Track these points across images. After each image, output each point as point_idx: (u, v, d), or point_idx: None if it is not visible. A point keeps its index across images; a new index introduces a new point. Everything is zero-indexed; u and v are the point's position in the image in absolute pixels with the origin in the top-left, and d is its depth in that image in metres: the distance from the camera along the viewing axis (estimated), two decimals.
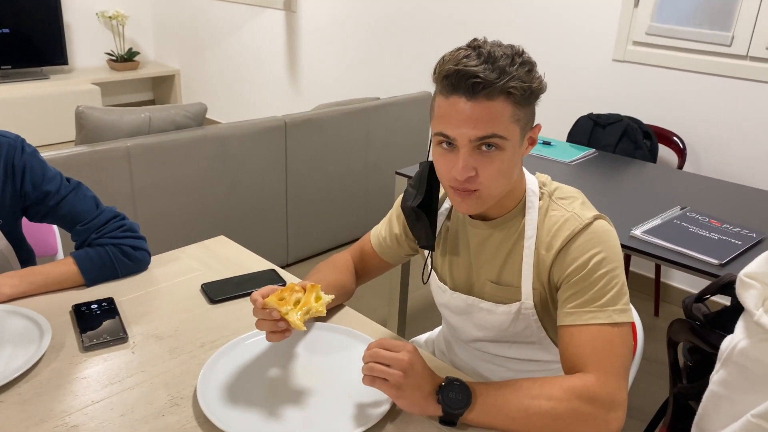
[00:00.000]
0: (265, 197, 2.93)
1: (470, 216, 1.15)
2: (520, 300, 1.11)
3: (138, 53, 5.41)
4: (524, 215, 1.10)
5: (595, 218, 1.06)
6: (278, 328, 1.04)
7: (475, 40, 1.01)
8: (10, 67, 4.73)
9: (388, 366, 0.94)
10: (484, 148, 0.99)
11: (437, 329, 1.52)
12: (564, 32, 3.03)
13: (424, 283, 1.26)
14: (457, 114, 0.98)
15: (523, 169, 1.13)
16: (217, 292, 1.33)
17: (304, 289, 1.08)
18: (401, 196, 1.30)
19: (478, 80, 0.95)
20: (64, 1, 4.93)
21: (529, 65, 0.99)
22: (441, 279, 1.23)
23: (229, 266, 1.46)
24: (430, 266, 1.25)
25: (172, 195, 2.56)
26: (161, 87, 5.69)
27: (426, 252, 1.25)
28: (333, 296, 1.10)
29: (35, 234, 1.60)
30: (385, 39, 3.82)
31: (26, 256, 1.40)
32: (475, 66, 0.95)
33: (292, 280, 1.41)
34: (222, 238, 1.61)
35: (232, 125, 2.74)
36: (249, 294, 1.32)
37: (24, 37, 4.76)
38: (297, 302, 1.05)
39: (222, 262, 1.48)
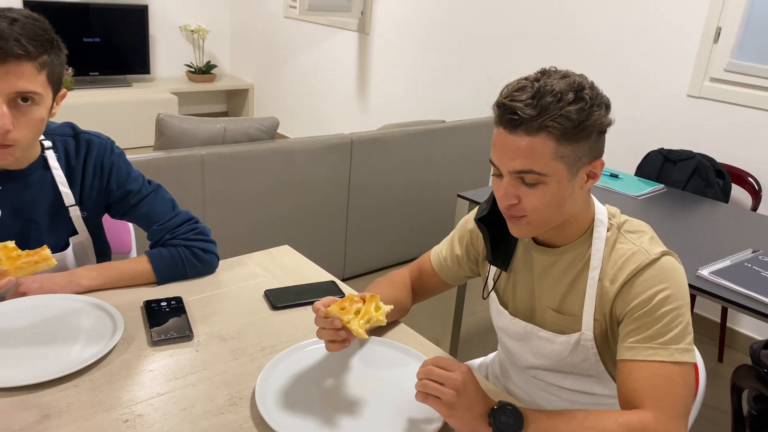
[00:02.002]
0: (327, 211, 2.99)
1: (535, 242, 1.15)
2: (580, 330, 1.10)
3: (215, 66, 5.64)
4: (590, 245, 1.09)
5: (663, 254, 1.05)
6: (339, 338, 1.06)
7: (542, 70, 1.03)
8: (97, 73, 5.02)
9: (441, 384, 0.95)
10: (526, 179, 1.01)
11: (491, 354, 1.52)
12: (639, 65, 2.99)
13: (483, 298, 1.27)
14: (501, 145, 1.01)
15: (593, 198, 1.12)
16: (279, 299, 1.37)
17: (364, 300, 1.10)
18: (466, 217, 1.32)
19: (516, 117, 0.98)
20: (150, 14, 5.21)
21: (585, 102, 0.98)
22: (502, 302, 1.24)
23: (292, 275, 1.51)
24: (490, 282, 1.25)
25: (240, 203, 2.65)
26: (235, 100, 5.91)
27: (489, 271, 1.25)
28: (392, 306, 1.12)
29: (112, 232, 1.69)
30: (454, 63, 3.86)
31: (103, 251, 1.48)
32: (520, 101, 0.98)
33: (350, 292, 1.44)
34: (286, 247, 1.66)
35: (301, 140, 2.82)
36: (309, 303, 1.36)
37: (112, 47, 5.05)
38: (357, 312, 1.08)
39: (285, 271, 1.53)
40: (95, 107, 4.64)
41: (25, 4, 4.58)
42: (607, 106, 1.02)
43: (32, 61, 1.12)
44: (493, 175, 1.06)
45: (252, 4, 5.46)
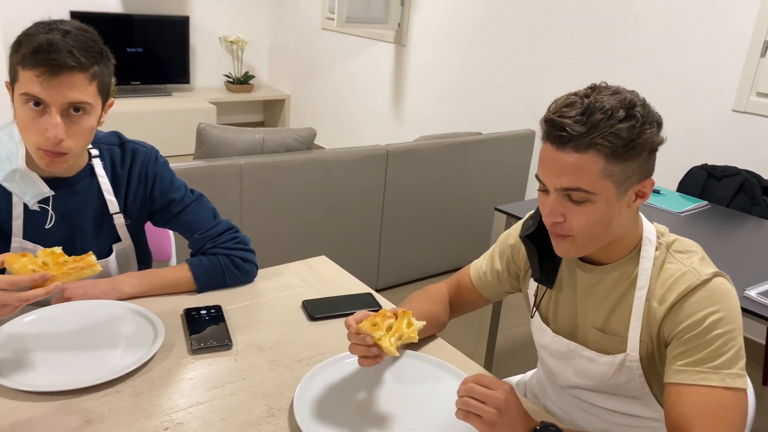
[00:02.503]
0: (362, 222, 2.99)
1: (580, 259, 1.13)
2: (625, 351, 1.07)
3: (253, 77, 5.72)
4: (637, 264, 1.06)
5: (715, 275, 1.02)
6: (370, 354, 1.05)
7: (592, 85, 1.01)
8: (139, 83, 5.14)
9: (483, 402, 0.93)
10: (573, 196, 0.99)
11: (530, 372, 1.49)
12: (683, 78, 2.93)
13: (531, 317, 1.25)
14: (548, 161, 1.00)
15: (641, 216, 1.10)
16: (317, 309, 1.37)
17: (396, 315, 1.09)
18: (507, 231, 1.30)
19: (564, 134, 0.96)
20: (191, 26, 5.31)
21: (636, 119, 0.96)
22: (544, 319, 1.21)
23: (329, 285, 1.51)
24: (534, 300, 1.23)
25: (277, 213, 2.67)
26: (271, 110, 5.98)
27: (531, 288, 1.23)
28: (424, 323, 1.10)
29: (153, 239, 1.72)
30: (491, 74, 3.84)
31: (144, 258, 1.50)
32: (569, 117, 0.96)
33: (387, 305, 1.43)
34: (323, 258, 1.66)
35: (337, 151, 2.83)
36: (347, 315, 1.35)
37: (154, 57, 5.17)
38: (389, 328, 1.06)
39: (322, 281, 1.52)
40: (136, 116, 4.74)
41: (72, 15, 4.71)
42: (659, 124, 1.00)
43: (84, 72, 1.15)
44: (539, 190, 1.04)
45: (290, 15, 5.53)
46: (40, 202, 1.27)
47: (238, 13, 5.62)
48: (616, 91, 0.98)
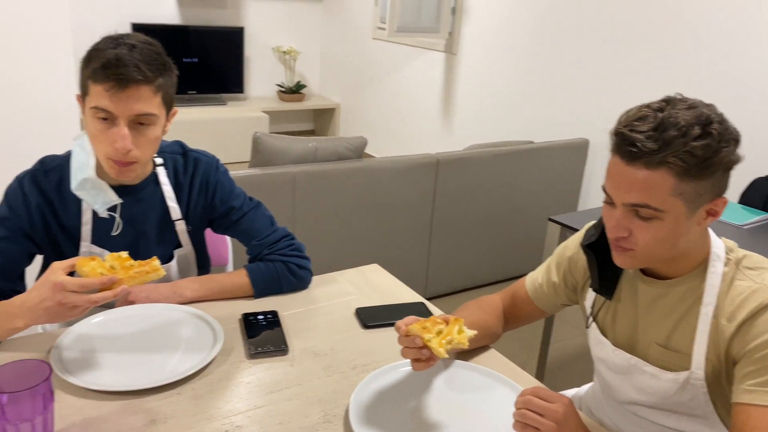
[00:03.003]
0: (411, 231, 2.99)
1: (642, 272, 1.10)
2: (689, 369, 1.04)
3: (305, 86, 5.82)
4: (704, 280, 1.03)
5: None
6: (422, 356, 1.05)
7: (666, 98, 0.97)
8: (195, 92, 5.29)
9: (541, 415, 0.92)
10: (640, 212, 0.96)
11: (585, 386, 1.46)
12: (746, 86, 2.83)
13: (586, 327, 1.22)
14: (616, 175, 0.97)
15: (709, 231, 1.06)
16: (370, 317, 1.38)
17: (447, 322, 1.09)
18: (564, 243, 1.28)
19: (635, 149, 0.93)
20: (246, 36, 5.44)
21: (712, 137, 0.92)
22: (602, 331, 1.19)
23: (382, 294, 1.52)
24: (589, 310, 1.21)
25: (327, 220, 2.70)
26: (321, 118, 6.06)
27: (588, 300, 1.21)
28: (476, 332, 1.10)
29: (211, 245, 1.76)
30: (543, 82, 3.80)
31: (203, 263, 1.55)
32: (640, 133, 0.93)
33: (440, 314, 1.43)
34: (375, 266, 1.67)
35: (388, 159, 2.85)
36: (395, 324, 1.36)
37: (209, 67, 5.32)
38: (439, 333, 1.07)
39: (375, 289, 1.53)
40: (192, 124, 4.88)
41: (134, 26, 4.90)
42: (737, 141, 0.96)
43: (149, 84, 1.19)
44: (605, 202, 1.02)
45: (342, 26, 5.61)
46: (108, 209, 1.32)
47: (291, 23, 5.73)
48: (691, 105, 0.95)
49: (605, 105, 3.43)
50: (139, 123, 1.21)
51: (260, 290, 1.42)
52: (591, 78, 3.50)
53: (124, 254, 1.15)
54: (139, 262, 1.14)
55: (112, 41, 1.21)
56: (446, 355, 1.03)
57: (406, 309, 1.43)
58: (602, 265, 1.13)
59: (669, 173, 0.92)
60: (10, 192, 1.30)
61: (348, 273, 1.61)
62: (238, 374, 1.16)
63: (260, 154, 2.57)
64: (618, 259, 1.04)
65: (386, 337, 1.33)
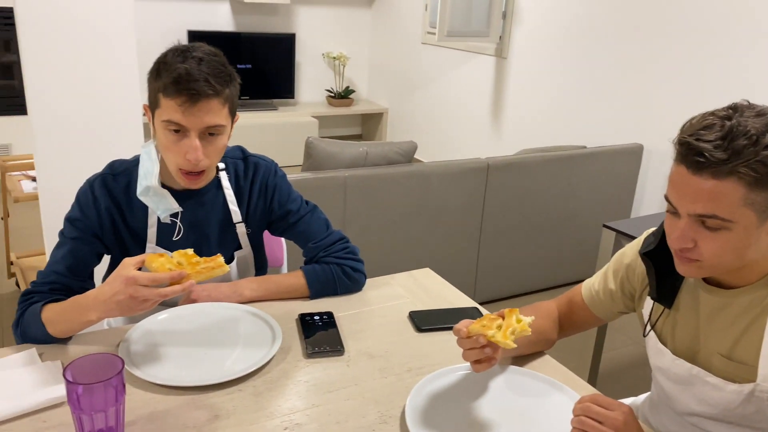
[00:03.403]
0: (460, 235, 2.99)
1: (705, 280, 1.08)
2: (754, 381, 1.01)
3: (353, 91, 5.88)
4: None
5: None
6: (484, 356, 1.06)
7: (732, 105, 0.94)
8: (248, 98, 5.41)
9: (600, 423, 0.91)
10: (707, 223, 0.94)
11: (641, 396, 1.44)
12: None
13: (644, 336, 1.21)
14: (681, 185, 0.94)
15: None
16: (424, 321, 1.39)
17: (502, 317, 1.09)
18: (622, 250, 1.26)
19: (702, 159, 0.90)
20: (297, 42, 5.54)
21: None
22: (661, 340, 1.17)
23: (434, 297, 1.52)
24: (647, 319, 1.19)
25: (377, 224, 2.73)
26: (369, 123, 6.11)
27: (646, 308, 1.19)
28: (534, 317, 1.09)
29: (266, 247, 1.81)
30: (596, 86, 3.74)
31: (261, 264, 1.58)
32: (707, 142, 0.90)
33: None
34: (428, 270, 1.68)
35: (437, 164, 2.86)
36: (453, 327, 1.37)
37: (261, 73, 5.43)
38: (498, 327, 1.07)
39: (427, 293, 1.54)
40: (245, 129, 4.99)
41: (190, 33, 5.05)
42: None
43: (218, 97, 1.24)
44: (668, 212, 1.00)
45: (391, 31, 5.64)
46: (171, 215, 1.37)
47: (340, 29, 5.80)
48: (761, 113, 0.92)
49: (661, 109, 3.35)
50: (208, 134, 1.26)
51: (316, 291, 1.45)
52: (646, 81, 3.43)
53: (190, 251, 1.19)
54: (204, 258, 1.18)
55: (179, 55, 1.24)
56: (514, 345, 1.03)
57: (459, 313, 1.44)
58: (661, 273, 1.11)
59: (739, 183, 0.90)
60: (81, 194, 1.36)
61: (400, 276, 1.63)
62: (296, 373, 1.19)
63: (312, 159, 2.61)
64: (682, 268, 1.02)
65: (440, 340, 1.33)
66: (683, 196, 0.94)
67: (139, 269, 1.12)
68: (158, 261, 1.13)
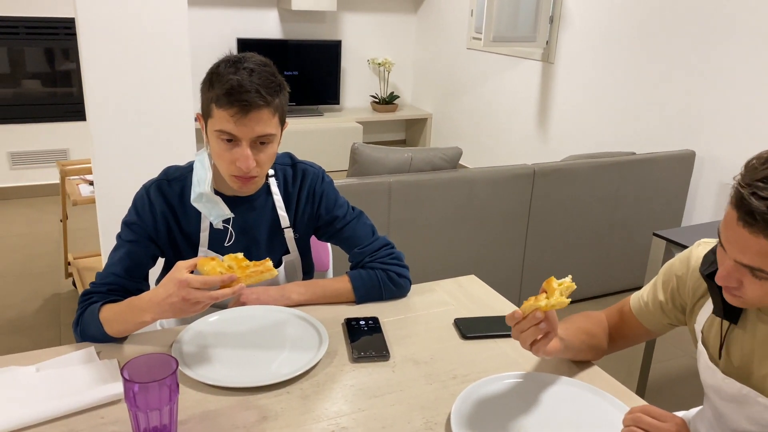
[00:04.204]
0: (505, 242, 2.97)
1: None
2: None
3: (398, 97, 5.90)
4: None
5: None
6: (541, 331, 1.06)
7: None
8: (294, 104, 5.49)
9: None
10: (755, 273, 0.90)
11: (693, 410, 1.40)
12: None
13: (697, 349, 1.17)
14: (731, 231, 0.90)
15: None
16: (469, 328, 1.39)
17: (544, 291, 1.09)
18: (671, 261, 1.24)
19: (754, 220, 0.85)
20: (343, 49, 5.60)
21: None
22: (712, 358, 1.14)
23: (479, 305, 1.52)
24: (699, 335, 1.16)
25: (422, 229, 2.73)
26: (413, 128, 6.12)
27: (699, 323, 1.16)
28: (570, 275, 1.11)
29: (313, 252, 1.83)
30: (645, 91, 3.66)
31: (308, 269, 1.61)
32: (762, 200, 0.84)
33: None
34: (473, 277, 1.68)
35: (483, 170, 2.84)
36: (499, 336, 1.37)
37: (308, 80, 5.51)
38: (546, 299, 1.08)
39: (472, 300, 1.54)
40: (292, 135, 5.08)
41: (239, 41, 5.16)
42: None
43: (269, 107, 1.27)
44: (719, 243, 0.96)
45: (436, 36, 5.65)
46: (222, 221, 1.41)
47: (385, 36, 5.84)
48: None
49: (714, 114, 3.26)
50: (259, 142, 1.29)
51: (361, 296, 1.46)
52: (698, 85, 3.34)
53: (240, 255, 1.22)
54: (254, 262, 1.21)
55: (231, 65, 1.27)
56: (568, 301, 1.06)
57: (504, 321, 1.42)
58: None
59: None
60: (137, 199, 1.41)
61: (445, 283, 1.63)
62: (342, 377, 1.20)
63: (358, 164, 2.64)
64: (727, 297, 1.00)
65: (485, 348, 1.33)
66: (732, 244, 0.91)
67: (192, 272, 1.16)
68: (210, 264, 1.16)
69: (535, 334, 1.07)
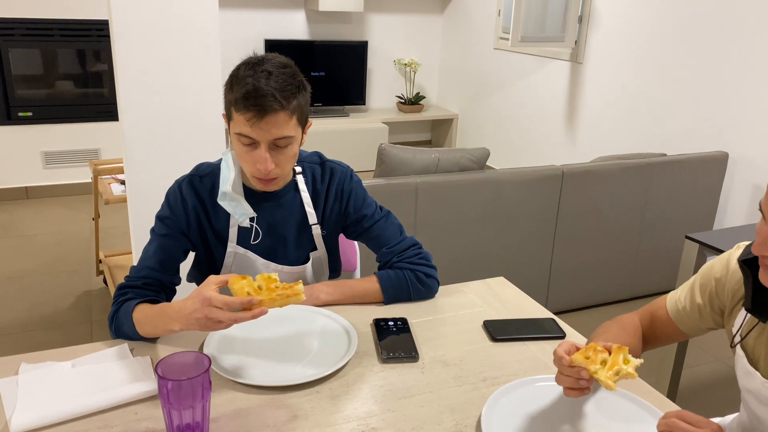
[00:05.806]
0: (533, 243, 2.94)
1: None
2: None
3: (424, 97, 5.89)
4: None
5: None
6: (579, 385, 1.03)
7: None
8: (321, 104, 5.52)
9: None
10: None
11: (729, 416, 1.37)
12: None
13: (731, 347, 1.15)
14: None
15: None
16: (499, 330, 1.38)
17: (608, 351, 1.04)
18: (710, 262, 1.21)
19: None
20: (369, 50, 5.60)
21: None
22: (751, 361, 1.11)
23: (509, 307, 1.51)
24: (737, 336, 1.13)
25: (448, 230, 2.72)
26: (439, 129, 6.10)
27: (736, 325, 1.14)
28: (642, 360, 1.04)
29: (341, 252, 1.84)
30: (676, 91, 3.59)
31: (335, 267, 1.62)
32: None
33: (570, 331, 1.40)
34: (502, 279, 1.67)
35: (511, 171, 2.82)
36: (529, 339, 1.35)
37: (334, 80, 5.53)
38: (603, 362, 1.03)
39: (502, 302, 1.53)
40: (318, 135, 5.10)
41: (266, 42, 5.20)
42: None
43: (285, 110, 1.27)
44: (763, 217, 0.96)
45: (463, 37, 5.62)
46: (250, 219, 1.42)
47: (412, 36, 5.83)
48: None
49: (747, 115, 3.19)
50: (278, 145, 1.30)
51: (390, 297, 1.46)
52: (730, 84, 3.27)
53: (274, 275, 1.18)
54: (283, 285, 1.17)
55: (249, 69, 1.28)
56: (617, 389, 0.99)
57: (535, 325, 1.42)
58: (759, 284, 1.06)
59: None
60: (170, 194, 1.43)
61: (473, 284, 1.62)
62: (371, 377, 1.20)
63: (385, 165, 2.64)
64: (764, 276, 0.97)
65: (515, 351, 1.32)
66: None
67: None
68: (239, 283, 1.14)
69: (572, 384, 1.04)
